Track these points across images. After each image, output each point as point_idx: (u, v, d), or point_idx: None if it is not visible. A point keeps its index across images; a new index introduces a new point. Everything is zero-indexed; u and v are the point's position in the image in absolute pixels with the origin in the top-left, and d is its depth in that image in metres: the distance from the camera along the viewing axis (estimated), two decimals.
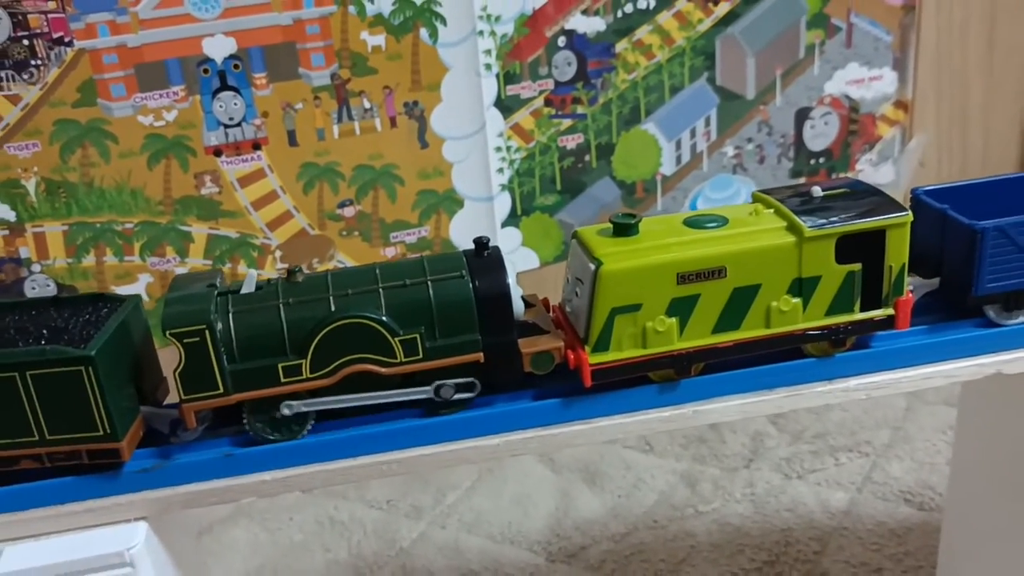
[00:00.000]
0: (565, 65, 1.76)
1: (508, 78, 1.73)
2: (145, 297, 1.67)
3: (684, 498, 1.57)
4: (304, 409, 0.90)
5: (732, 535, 1.48)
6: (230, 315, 0.87)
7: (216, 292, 0.88)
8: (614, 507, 1.57)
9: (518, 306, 0.92)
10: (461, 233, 1.81)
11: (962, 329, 0.98)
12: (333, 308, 0.88)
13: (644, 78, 1.81)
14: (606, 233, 0.93)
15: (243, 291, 0.89)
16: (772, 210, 0.94)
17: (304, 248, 1.73)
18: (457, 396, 0.91)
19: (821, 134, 1.95)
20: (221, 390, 0.87)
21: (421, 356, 0.89)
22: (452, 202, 1.78)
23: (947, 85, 2.01)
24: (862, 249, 0.92)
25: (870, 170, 2.02)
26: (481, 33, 1.69)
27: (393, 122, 1.70)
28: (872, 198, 0.95)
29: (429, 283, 0.89)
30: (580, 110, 1.79)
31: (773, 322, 0.92)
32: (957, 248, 0.98)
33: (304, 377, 0.88)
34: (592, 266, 0.89)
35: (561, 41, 1.74)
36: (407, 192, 1.75)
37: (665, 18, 1.78)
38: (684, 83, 1.83)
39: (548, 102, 1.77)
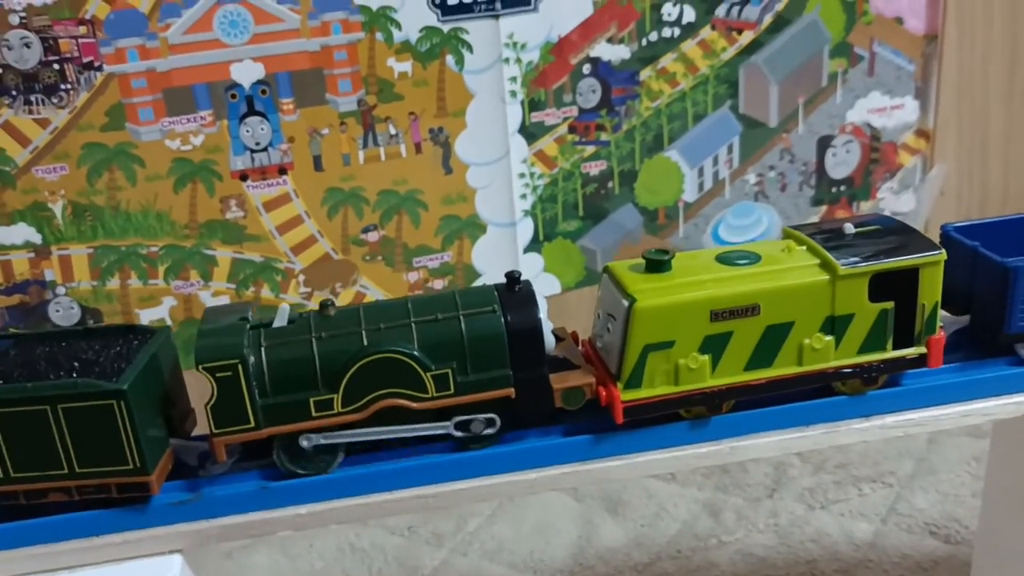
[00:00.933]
0: (589, 92, 1.76)
1: (533, 105, 1.74)
2: (168, 321, 1.67)
3: (707, 528, 1.57)
4: (324, 442, 0.89)
5: (756, 566, 1.47)
6: (262, 349, 0.87)
7: (248, 325, 0.89)
8: (637, 536, 1.56)
9: (549, 341, 0.92)
10: (484, 258, 1.81)
11: (995, 367, 0.99)
12: (366, 342, 0.88)
13: (668, 105, 1.81)
14: (638, 269, 0.93)
15: (275, 324, 0.89)
16: (804, 247, 0.94)
17: (328, 273, 1.73)
18: (487, 431, 0.91)
19: (843, 162, 1.96)
20: (252, 424, 0.87)
21: (452, 391, 0.89)
22: (475, 227, 1.79)
23: (968, 115, 2.01)
24: (895, 287, 0.92)
25: (891, 198, 2.02)
26: (507, 60, 1.69)
27: (418, 148, 1.70)
28: (904, 235, 0.95)
29: (461, 318, 0.89)
30: (604, 137, 1.80)
31: (805, 360, 0.92)
32: (988, 285, 0.98)
33: (336, 411, 0.88)
34: (625, 303, 0.88)
35: (586, 69, 1.75)
36: (431, 217, 1.75)
37: (689, 46, 1.78)
38: (707, 111, 1.83)
39: (572, 129, 1.78)
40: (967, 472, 1.64)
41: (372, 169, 1.69)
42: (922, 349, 0.93)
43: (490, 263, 1.81)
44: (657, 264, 0.92)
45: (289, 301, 1.73)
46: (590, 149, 1.80)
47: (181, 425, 0.94)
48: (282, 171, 1.65)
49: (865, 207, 2.00)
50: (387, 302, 0.93)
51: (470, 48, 1.67)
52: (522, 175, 1.78)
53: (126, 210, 1.60)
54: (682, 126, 1.83)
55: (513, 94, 1.72)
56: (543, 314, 0.91)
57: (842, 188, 1.97)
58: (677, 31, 1.77)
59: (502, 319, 0.89)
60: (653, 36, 1.76)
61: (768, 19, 1.81)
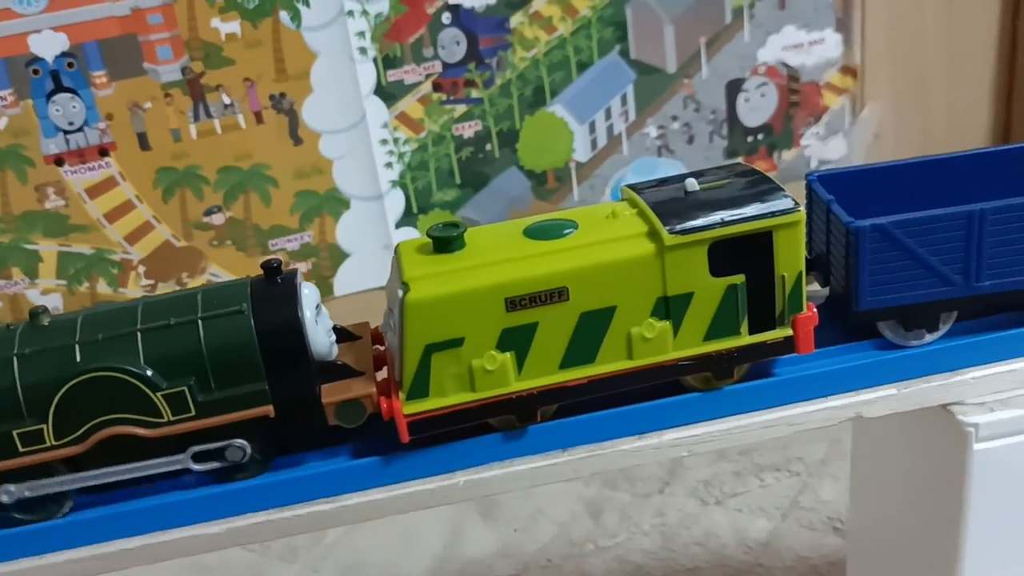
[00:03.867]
0: (453, 44, 1.57)
1: (388, 62, 1.55)
2: None
3: (585, 531, 1.40)
4: (28, 493, 0.74)
5: (631, 575, 1.31)
6: None
7: None
8: (507, 544, 1.40)
9: (321, 343, 0.75)
10: (350, 236, 1.63)
11: (862, 353, 0.80)
12: (78, 359, 0.72)
13: (546, 55, 1.61)
14: (427, 249, 0.75)
15: None
16: (635, 211, 0.76)
17: (170, 262, 1.57)
18: (242, 459, 0.75)
19: (757, 108, 1.75)
20: None
21: (194, 413, 0.73)
22: (336, 202, 1.61)
23: (901, 46, 1.78)
24: (746, 256, 0.73)
25: (817, 145, 1.81)
26: (351, 13, 1.50)
27: (259, 117, 1.52)
28: (759, 190, 0.75)
29: (200, 322, 0.73)
30: (475, 94, 1.60)
31: (636, 352, 0.74)
32: (838, 251, 0.79)
33: (48, 445, 0.73)
34: (400, 292, 0.72)
35: (446, 18, 1.55)
36: (283, 194, 1.58)
37: None
38: (593, 58, 1.63)
39: (437, 87, 1.58)
40: None
41: (207, 144, 1.52)
42: (787, 331, 0.75)
43: (358, 241, 1.64)
44: (444, 242, 0.74)
45: (130, 295, 1.57)
46: (461, 108, 1.61)
47: None
48: (103, 152, 1.48)
49: (788, 156, 1.79)
50: (116, 306, 0.77)
51: (306, 2, 1.48)
52: (384, 141, 1.59)
53: None
54: (565, 77, 1.63)
55: (363, 51, 1.53)
56: (311, 310, 0.74)
57: (759, 136, 1.76)
58: None
59: (250, 320, 0.73)
60: None
61: None
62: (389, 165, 1.61)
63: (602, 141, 1.70)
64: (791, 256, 0.74)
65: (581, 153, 1.69)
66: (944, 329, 0.79)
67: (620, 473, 1.50)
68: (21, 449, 0.73)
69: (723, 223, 0.72)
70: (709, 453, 1.51)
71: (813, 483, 1.42)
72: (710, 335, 0.75)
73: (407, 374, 0.73)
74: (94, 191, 1.50)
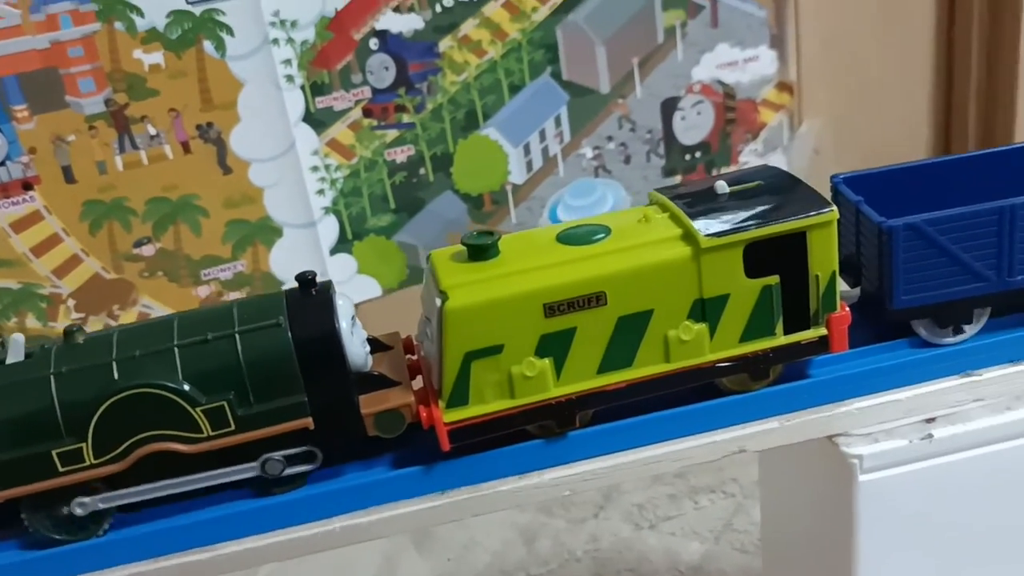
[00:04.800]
0: (382, 70, 1.56)
1: (316, 89, 1.54)
2: None
3: (518, 560, 1.39)
4: (101, 506, 0.74)
5: None
6: None
7: None
8: (441, 575, 1.39)
9: (357, 354, 0.75)
10: (284, 265, 1.62)
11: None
12: (116, 376, 0.72)
13: (477, 78, 1.61)
14: (461, 257, 0.75)
15: (9, 360, 0.74)
16: (667, 214, 0.76)
17: (101, 294, 1.55)
18: (290, 471, 0.75)
19: (694, 126, 1.74)
20: None
21: (233, 428, 0.73)
22: (269, 231, 1.60)
23: (837, 62, 1.79)
24: (779, 257, 0.74)
25: (756, 161, 1.80)
26: (276, 41, 1.49)
27: (186, 147, 1.51)
28: (789, 191, 0.77)
29: (237, 336, 0.72)
30: (406, 119, 1.59)
31: (674, 355, 0.75)
32: (870, 251, 0.80)
33: (88, 464, 0.72)
34: (438, 301, 0.71)
35: (373, 44, 1.54)
36: (213, 224, 1.56)
37: (493, 9, 1.57)
38: (525, 81, 1.63)
39: (367, 112, 1.58)
40: None
41: (134, 176, 1.50)
42: (821, 331, 0.76)
43: (292, 269, 1.60)
44: (479, 250, 0.74)
45: (59, 330, 1.55)
46: (392, 133, 1.60)
47: None
48: (27, 186, 1.47)
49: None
50: (151, 322, 0.77)
51: (230, 31, 1.47)
52: (315, 168, 1.58)
53: None
54: (497, 100, 1.63)
55: (290, 79, 1.52)
56: (347, 321, 0.74)
57: (697, 155, 1.76)
58: None
59: (288, 333, 0.72)
60: (448, 1, 1.55)
61: None
62: (321, 192, 1.60)
63: (538, 163, 1.69)
64: (824, 255, 0.74)
65: (517, 175, 1.69)
66: (978, 326, 0.79)
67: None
68: (61, 469, 0.72)
69: (758, 224, 0.73)
70: (644, 477, 1.50)
71: (748, 504, 1.41)
72: (746, 336, 0.75)
73: (447, 382, 0.73)
74: (19, 225, 1.48)
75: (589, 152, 1.70)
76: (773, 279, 0.74)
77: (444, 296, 0.71)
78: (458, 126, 1.62)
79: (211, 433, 0.73)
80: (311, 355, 0.72)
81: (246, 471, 0.75)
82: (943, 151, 1.94)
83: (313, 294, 0.74)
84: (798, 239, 0.73)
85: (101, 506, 0.74)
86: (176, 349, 0.72)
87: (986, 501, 0.79)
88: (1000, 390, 0.79)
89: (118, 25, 1.43)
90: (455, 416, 0.73)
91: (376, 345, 0.80)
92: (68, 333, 0.74)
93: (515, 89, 1.63)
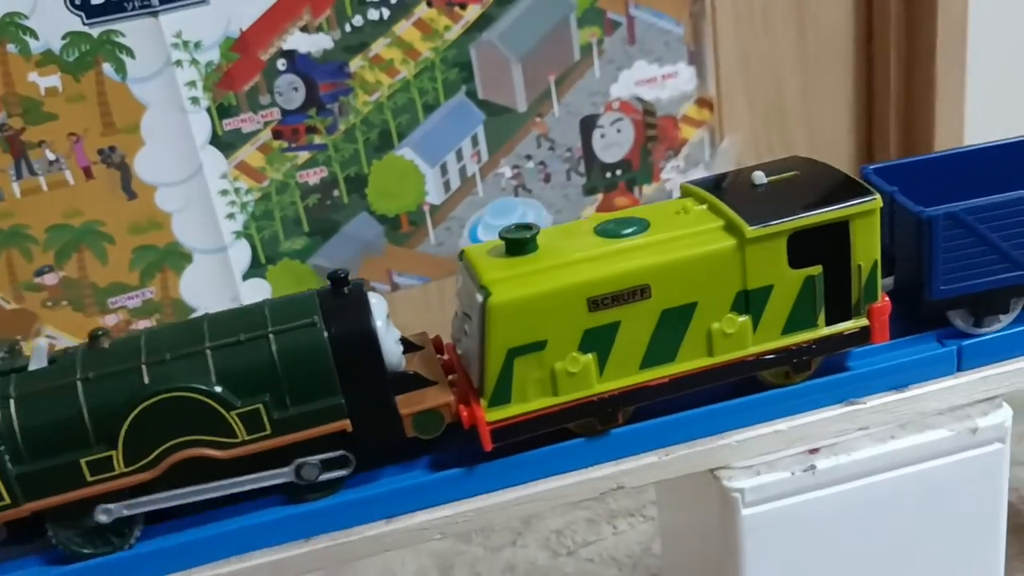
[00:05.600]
0: (291, 91, 1.53)
1: (223, 111, 1.50)
2: None
3: None
4: (126, 513, 0.71)
5: None
6: (11, 402, 0.69)
7: None
8: None
9: (392, 353, 0.73)
10: (195, 291, 1.58)
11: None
12: (147, 380, 0.69)
13: (390, 98, 1.58)
14: (498, 252, 0.74)
15: (32, 367, 0.71)
16: (704, 206, 0.76)
17: (1, 325, 1.50)
18: (326, 476, 0.73)
19: (614, 143, 1.73)
20: (7, 500, 0.69)
21: (269, 431, 0.70)
22: (178, 257, 1.55)
23: (756, 77, 1.78)
24: (821, 247, 0.73)
25: (678, 178, 1.79)
26: (179, 63, 1.45)
27: (88, 172, 1.47)
28: (828, 181, 0.76)
29: (271, 336, 0.70)
30: (318, 140, 1.56)
31: (717, 349, 0.74)
32: (907, 241, 0.79)
33: (117, 472, 0.70)
34: (479, 297, 0.70)
35: (281, 64, 1.51)
36: (119, 251, 1.52)
37: (404, 28, 1.55)
38: (439, 100, 1.60)
39: (277, 134, 1.54)
40: None
41: (33, 202, 1.46)
42: (863, 321, 0.75)
43: (204, 295, 1.58)
44: (518, 244, 0.73)
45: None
46: (304, 155, 1.57)
47: None
48: None
49: (648, 191, 1.78)
50: (178, 325, 0.74)
51: (130, 53, 1.43)
52: (225, 192, 1.54)
53: None
54: (412, 120, 1.60)
55: (195, 101, 1.48)
56: (382, 320, 0.72)
57: (618, 172, 1.75)
58: (387, 12, 1.53)
59: (324, 332, 0.70)
60: (358, 20, 1.52)
61: None
62: (231, 216, 1.56)
63: (455, 183, 1.67)
64: (867, 245, 0.74)
65: (434, 196, 1.66)
66: (1013, 315, 0.79)
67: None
68: (89, 478, 0.69)
69: (802, 214, 0.72)
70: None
71: None
72: (788, 328, 0.74)
73: (489, 380, 0.71)
74: None
75: (508, 171, 1.68)
76: (816, 269, 0.73)
77: (486, 291, 0.70)
78: (372, 147, 1.59)
79: (246, 437, 0.70)
80: (348, 355, 0.70)
81: (279, 476, 0.72)
82: (867, 161, 1.94)
83: (345, 293, 0.72)
84: (841, 228, 0.73)
85: (126, 513, 0.71)
86: (208, 351, 0.70)
87: (869, 530, 0.77)
88: (884, 418, 0.77)
89: (11, 47, 1.38)
90: (498, 415, 0.72)
91: (406, 345, 0.78)
92: (93, 337, 0.71)
93: (430, 108, 1.60)
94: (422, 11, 1.55)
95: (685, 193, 0.79)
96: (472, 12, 1.57)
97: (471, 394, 0.72)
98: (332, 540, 0.73)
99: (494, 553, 1.40)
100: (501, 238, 0.73)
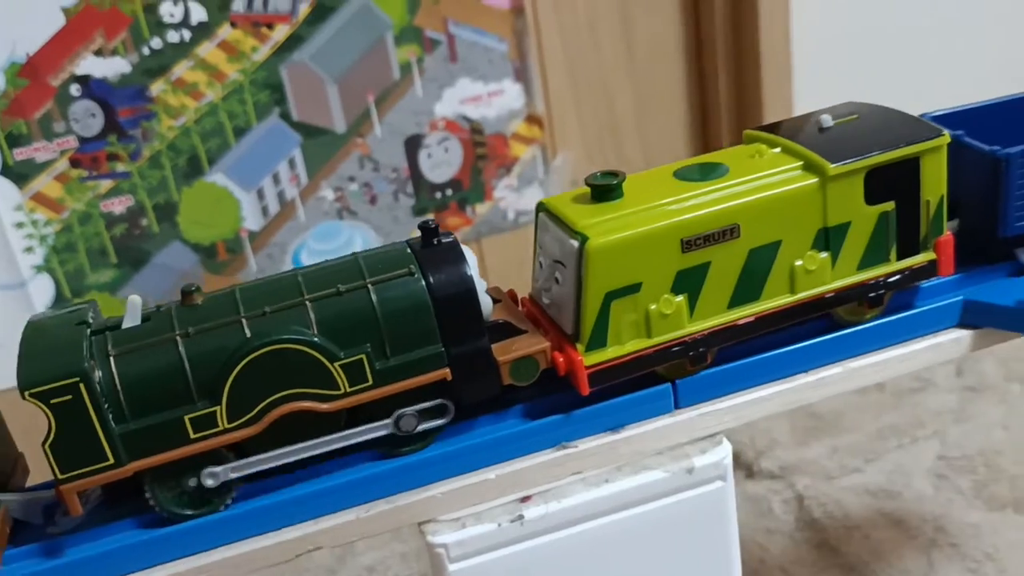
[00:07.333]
0: (88, 117, 1.46)
1: (12, 140, 1.43)
2: None
3: None
4: (232, 476, 0.68)
5: None
6: (111, 359, 0.65)
7: (89, 331, 0.67)
8: None
9: (486, 303, 0.71)
10: None
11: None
12: (248, 333, 0.66)
13: (197, 122, 1.52)
14: (583, 200, 0.74)
15: (125, 325, 0.68)
16: (778, 148, 0.77)
17: None
18: (424, 426, 0.71)
19: (442, 163, 1.70)
20: (111, 460, 0.65)
21: (371, 382, 0.68)
22: None
23: (587, 94, 1.77)
24: (892, 183, 0.75)
25: (512, 196, 1.77)
26: None
27: None
28: (891, 120, 0.78)
29: (371, 287, 0.68)
30: (121, 168, 1.50)
31: (798, 285, 0.75)
32: (976, 182, 0.81)
33: (222, 428, 0.66)
34: (575, 243, 0.69)
35: (75, 90, 1.45)
36: None
37: (208, 50, 1.49)
38: (251, 123, 1.55)
39: (75, 163, 1.47)
40: None
41: None
42: (931, 255, 0.78)
43: (3, 334, 1.50)
44: (605, 190, 0.73)
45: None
46: (106, 183, 1.50)
47: (8, 479, 0.73)
48: None
49: (482, 210, 1.75)
50: (271, 279, 0.71)
51: None
52: (21, 225, 1.47)
53: None
54: (222, 144, 1.55)
55: None
56: (475, 270, 0.70)
57: (448, 192, 1.71)
58: (187, 34, 1.47)
59: (423, 283, 0.69)
60: (156, 43, 1.46)
61: (305, 8, 1.53)
62: (30, 250, 1.49)
63: (274, 208, 1.61)
64: (935, 181, 0.76)
65: (252, 222, 1.61)
66: None
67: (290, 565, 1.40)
68: (193, 435, 0.66)
69: (879, 151, 0.74)
70: (374, 539, 1.44)
71: None
72: (863, 264, 0.76)
73: (586, 324, 0.71)
74: None
75: (330, 194, 1.64)
76: (889, 205, 0.75)
77: (583, 236, 0.69)
78: (181, 173, 1.54)
79: (348, 389, 0.68)
80: (447, 304, 0.69)
81: (379, 429, 0.70)
82: None
83: (436, 243, 0.71)
84: (912, 165, 0.75)
85: (232, 476, 0.68)
86: (308, 303, 0.68)
87: None
88: (600, 461, 0.74)
89: None
90: (595, 359, 0.71)
91: (491, 297, 0.76)
92: (186, 293, 0.69)
93: (241, 132, 1.55)
94: (226, 32, 1.49)
95: (750, 139, 0.81)
96: (280, 32, 1.52)
97: (562, 341, 0.73)
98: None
99: None
100: (587, 184, 0.74)
